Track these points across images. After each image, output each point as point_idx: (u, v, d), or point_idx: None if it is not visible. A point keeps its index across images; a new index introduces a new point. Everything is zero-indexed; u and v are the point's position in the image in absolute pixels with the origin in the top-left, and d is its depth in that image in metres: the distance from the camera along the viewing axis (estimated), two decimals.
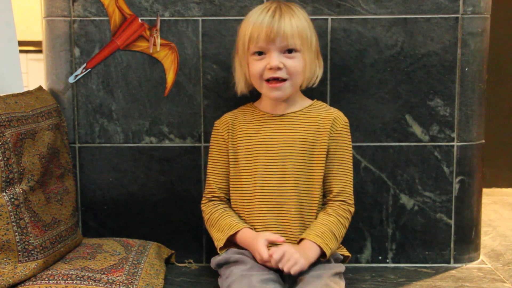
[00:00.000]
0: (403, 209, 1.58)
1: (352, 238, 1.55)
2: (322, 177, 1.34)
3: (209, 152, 1.43)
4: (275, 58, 1.28)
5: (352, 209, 1.37)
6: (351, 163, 1.38)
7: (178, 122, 1.56)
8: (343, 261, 1.38)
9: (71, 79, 1.55)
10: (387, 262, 1.60)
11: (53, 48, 1.55)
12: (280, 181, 1.33)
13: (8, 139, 1.28)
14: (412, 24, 1.52)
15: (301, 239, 1.28)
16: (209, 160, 1.43)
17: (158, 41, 1.53)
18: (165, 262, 1.53)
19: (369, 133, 1.55)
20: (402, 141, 1.55)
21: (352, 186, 1.37)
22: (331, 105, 1.52)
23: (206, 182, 1.43)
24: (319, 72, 1.38)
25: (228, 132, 1.39)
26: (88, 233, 1.59)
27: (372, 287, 1.43)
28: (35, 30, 3.88)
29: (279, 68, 1.29)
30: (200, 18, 1.53)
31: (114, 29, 1.53)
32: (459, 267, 1.59)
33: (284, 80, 1.30)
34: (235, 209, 1.39)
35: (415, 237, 1.59)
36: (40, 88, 1.53)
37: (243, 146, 1.37)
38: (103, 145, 1.58)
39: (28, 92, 1.46)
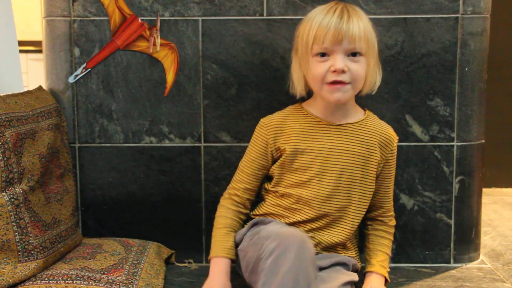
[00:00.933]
0: (403, 209, 1.58)
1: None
2: (372, 192, 1.36)
3: (248, 149, 1.38)
4: (340, 61, 1.23)
5: (395, 222, 1.45)
6: (394, 178, 1.43)
7: (178, 122, 1.56)
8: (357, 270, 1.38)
9: (71, 79, 1.56)
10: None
11: (53, 48, 1.55)
12: (333, 194, 1.31)
13: (8, 139, 1.28)
14: (412, 24, 1.52)
15: (369, 271, 1.35)
16: (244, 158, 1.38)
17: (158, 41, 1.53)
18: (165, 262, 1.53)
19: None
20: (402, 141, 1.55)
21: (392, 201, 1.44)
22: None
23: (234, 177, 1.39)
24: (379, 79, 1.35)
25: (275, 136, 1.34)
26: (88, 233, 1.59)
27: None
28: (35, 30, 3.89)
29: (343, 71, 1.23)
30: (200, 18, 1.53)
31: (114, 29, 1.53)
32: (459, 267, 1.59)
33: (346, 83, 1.25)
34: (268, 211, 1.36)
35: (415, 237, 1.59)
36: (40, 88, 1.53)
37: (295, 151, 1.31)
38: (103, 145, 1.58)
39: (28, 92, 1.46)
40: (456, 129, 1.55)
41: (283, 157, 1.32)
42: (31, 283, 1.25)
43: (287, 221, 1.32)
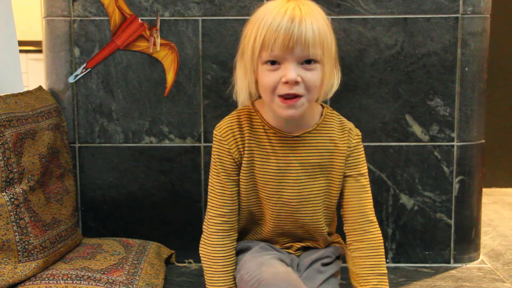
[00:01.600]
0: (403, 209, 1.58)
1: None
2: (337, 197, 1.23)
3: (215, 169, 1.20)
4: (292, 71, 1.07)
5: (377, 228, 1.22)
6: (367, 179, 1.23)
7: (178, 122, 1.56)
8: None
9: (71, 79, 1.55)
10: (387, 262, 1.60)
11: (53, 48, 1.55)
12: (296, 210, 1.20)
13: (8, 139, 1.28)
14: (412, 24, 1.52)
15: None
16: (215, 178, 1.21)
17: (158, 41, 1.53)
18: (165, 262, 1.53)
19: (369, 133, 1.55)
20: (402, 141, 1.55)
21: (371, 203, 1.23)
22: (331, 105, 1.52)
23: (212, 203, 1.21)
24: (337, 82, 1.18)
25: (239, 151, 1.18)
26: (88, 233, 1.59)
27: None
28: (35, 30, 3.88)
29: (296, 83, 1.08)
30: (200, 18, 1.53)
31: (114, 29, 1.53)
32: (459, 267, 1.59)
33: (299, 96, 1.09)
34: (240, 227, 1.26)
35: (415, 237, 1.59)
36: (40, 88, 1.53)
37: (251, 166, 1.19)
38: (103, 145, 1.58)
39: (28, 92, 1.46)
40: (456, 129, 1.55)
41: (247, 172, 1.19)
42: (31, 283, 1.25)
43: (259, 237, 1.26)
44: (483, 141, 1.60)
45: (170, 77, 1.55)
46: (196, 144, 1.57)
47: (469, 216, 1.60)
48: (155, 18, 1.53)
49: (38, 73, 3.44)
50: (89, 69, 1.55)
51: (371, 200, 1.22)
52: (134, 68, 1.55)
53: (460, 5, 1.51)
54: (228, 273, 1.19)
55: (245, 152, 1.18)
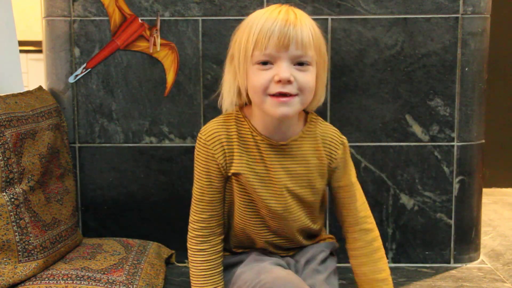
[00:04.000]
0: (403, 209, 1.58)
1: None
2: (319, 205, 1.23)
3: (197, 174, 1.18)
4: (285, 69, 1.05)
5: (375, 232, 1.22)
6: (358, 184, 1.22)
7: (178, 122, 1.56)
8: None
9: (71, 79, 1.55)
10: (387, 262, 1.60)
11: (53, 48, 1.55)
12: (282, 217, 1.18)
13: (8, 139, 1.28)
14: (412, 24, 1.52)
15: None
16: (197, 183, 1.18)
17: (158, 41, 1.53)
18: (165, 262, 1.53)
19: (369, 133, 1.55)
20: (402, 141, 1.55)
21: (367, 208, 1.23)
22: (331, 105, 1.53)
23: (193, 208, 1.20)
24: (323, 96, 1.17)
25: (225, 157, 1.15)
26: (88, 233, 1.59)
27: None
28: (35, 30, 3.88)
29: (289, 81, 1.05)
30: (200, 18, 1.53)
31: (114, 29, 1.53)
32: (459, 267, 1.59)
33: (292, 95, 1.07)
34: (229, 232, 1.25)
35: (415, 237, 1.59)
36: (40, 88, 1.53)
37: (245, 176, 1.16)
38: (103, 145, 1.58)
39: (28, 92, 1.46)
40: (456, 129, 1.55)
41: (233, 180, 1.17)
42: (31, 283, 1.25)
43: (258, 239, 1.23)
44: (483, 141, 1.60)
45: (170, 77, 1.55)
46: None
47: (469, 216, 1.60)
48: (155, 18, 1.53)
49: (38, 73, 3.44)
50: (89, 69, 1.55)
51: (366, 206, 1.22)
52: (134, 68, 1.55)
53: (460, 5, 1.51)
54: (205, 277, 1.18)
55: (234, 158, 1.15)
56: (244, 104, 1.18)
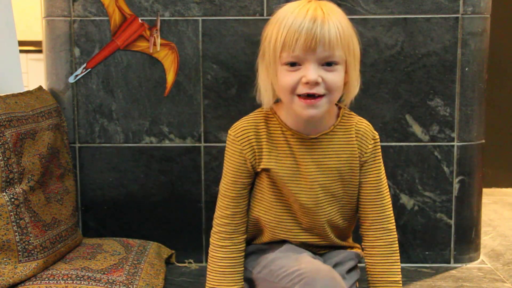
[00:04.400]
0: (403, 209, 1.58)
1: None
2: (355, 202, 1.22)
3: (226, 169, 1.19)
4: (313, 71, 1.05)
5: (395, 234, 1.21)
6: (386, 182, 1.21)
7: (178, 122, 1.56)
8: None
9: (71, 79, 1.55)
10: None
11: (53, 48, 1.55)
12: (313, 212, 1.18)
13: (8, 139, 1.28)
14: (412, 24, 1.52)
15: None
16: (224, 179, 1.20)
17: (158, 41, 1.53)
18: (165, 262, 1.53)
19: None
20: (402, 141, 1.55)
21: (391, 207, 1.21)
22: None
23: (218, 203, 1.20)
24: (357, 90, 1.17)
25: (254, 152, 1.16)
26: (88, 233, 1.59)
27: None
28: (35, 30, 3.88)
29: (316, 83, 1.06)
30: (200, 18, 1.53)
31: (114, 29, 1.53)
32: (459, 267, 1.59)
33: (320, 96, 1.07)
34: (255, 224, 1.23)
35: (415, 237, 1.59)
36: (40, 88, 1.53)
37: (274, 171, 1.16)
38: (103, 145, 1.58)
39: (28, 92, 1.46)
40: (456, 129, 1.55)
41: (262, 174, 1.18)
42: (31, 283, 1.25)
43: (289, 235, 1.21)
44: (483, 141, 1.60)
45: (170, 77, 1.55)
46: (196, 144, 1.57)
47: (469, 216, 1.60)
48: (155, 18, 1.53)
49: (38, 73, 3.44)
50: (89, 69, 1.55)
51: (390, 206, 1.21)
52: (134, 68, 1.55)
53: (460, 5, 1.51)
54: (224, 274, 1.18)
55: (263, 154, 1.16)
56: (276, 100, 1.18)
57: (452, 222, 1.58)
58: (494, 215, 2.17)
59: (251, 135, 1.17)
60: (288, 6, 1.09)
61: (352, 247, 1.29)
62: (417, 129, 1.55)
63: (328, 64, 1.07)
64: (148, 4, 1.53)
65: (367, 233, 1.21)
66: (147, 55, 1.54)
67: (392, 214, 1.22)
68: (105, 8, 1.53)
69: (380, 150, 1.21)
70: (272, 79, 1.13)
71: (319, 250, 1.26)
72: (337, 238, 1.25)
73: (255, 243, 1.26)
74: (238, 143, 1.17)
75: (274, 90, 1.15)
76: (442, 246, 1.59)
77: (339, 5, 1.51)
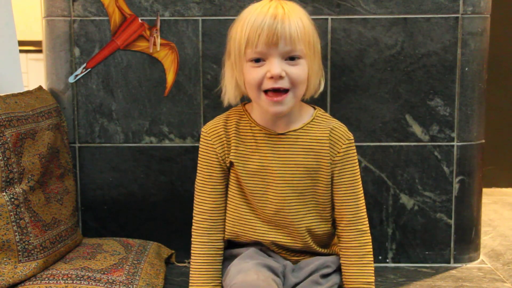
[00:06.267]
0: (403, 209, 1.58)
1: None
2: (329, 202, 1.22)
3: (199, 165, 1.23)
4: (276, 65, 1.09)
5: (369, 235, 1.22)
6: (360, 184, 1.22)
7: (178, 122, 1.56)
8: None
9: (71, 79, 1.56)
10: (387, 262, 1.60)
11: (53, 48, 1.55)
12: (280, 209, 1.19)
13: (8, 139, 1.28)
14: (412, 24, 1.52)
15: None
16: (198, 175, 1.23)
17: (158, 41, 1.53)
18: (165, 262, 1.53)
19: (369, 133, 1.55)
20: (402, 141, 1.55)
21: (365, 209, 1.22)
22: (331, 105, 1.53)
23: (197, 201, 1.23)
24: (323, 83, 1.21)
25: (223, 146, 1.21)
26: (88, 233, 1.59)
27: None
28: (35, 30, 3.88)
29: (281, 77, 1.10)
30: (200, 18, 1.53)
31: (114, 29, 1.53)
32: (459, 267, 1.59)
33: (286, 91, 1.11)
34: (230, 225, 1.25)
35: (415, 237, 1.59)
36: (40, 88, 1.53)
37: (239, 166, 1.20)
38: (103, 145, 1.58)
39: (28, 92, 1.46)
40: (456, 129, 1.55)
41: (231, 171, 1.21)
42: (31, 283, 1.25)
43: (246, 239, 1.23)
44: (483, 141, 1.60)
45: (170, 77, 1.55)
46: (196, 144, 1.57)
47: (469, 216, 1.60)
48: (155, 18, 1.53)
49: (38, 73, 3.44)
50: (89, 69, 1.55)
51: (364, 208, 1.22)
52: (134, 68, 1.55)
53: (460, 5, 1.51)
54: (202, 271, 1.20)
55: (231, 148, 1.20)
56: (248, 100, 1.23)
57: (452, 222, 1.58)
58: (494, 215, 2.17)
59: (220, 131, 1.21)
60: (252, 6, 1.14)
61: (332, 254, 1.28)
62: (417, 129, 1.55)
63: (291, 58, 1.11)
64: (148, 4, 1.53)
65: (342, 234, 1.22)
66: (147, 55, 1.54)
67: (366, 216, 1.22)
68: (105, 8, 1.53)
69: (355, 151, 1.22)
70: (237, 77, 1.17)
71: (294, 255, 1.25)
72: (315, 243, 1.24)
73: (229, 248, 1.27)
74: (209, 138, 1.22)
75: (239, 88, 1.19)
76: (442, 246, 1.59)
77: (338, 5, 1.52)
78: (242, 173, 1.20)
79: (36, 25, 3.88)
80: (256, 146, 1.20)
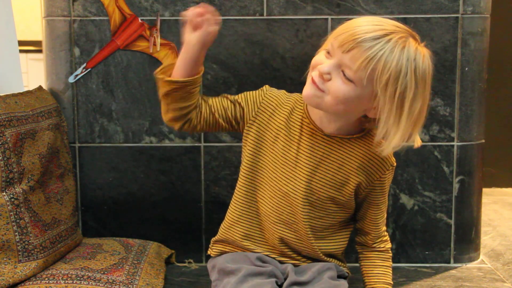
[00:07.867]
0: (403, 209, 1.58)
1: (352, 238, 1.55)
2: (348, 212, 1.23)
3: (240, 94, 1.22)
4: (329, 66, 1.06)
5: (390, 243, 1.27)
6: (387, 198, 1.26)
7: None
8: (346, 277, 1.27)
9: (71, 79, 1.56)
10: None
11: (53, 48, 1.55)
12: (295, 205, 1.19)
13: (8, 139, 1.28)
14: (412, 24, 1.52)
15: None
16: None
17: (158, 40, 1.53)
18: (165, 262, 1.53)
19: None
20: None
21: (385, 218, 1.27)
22: None
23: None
24: (414, 142, 1.14)
25: (261, 112, 1.20)
26: (88, 233, 1.59)
27: None
28: (35, 30, 3.89)
29: (323, 75, 1.07)
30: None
31: (114, 29, 1.53)
32: (459, 267, 1.59)
33: (321, 89, 1.08)
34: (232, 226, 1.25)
35: (415, 237, 1.59)
36: (40, 88, 1.53)
37: (270, 148, 1.20)
38: (103, 145, 1.58)
39: (28, 92, 1.46)
40: (456, 129, 1.55)
41: (247, 146, 1.21)
42: (31, 283, 1.25)
43: (259, 242, 1.23)
44: (483, 141, 1.60)
45: None
46: (196, 144, 1.57)
47: (469, 216, 1.60)
48: (155, 18, 1.53)
49: (38, 73, 3.44)
50: (89, 69, 1.55)
51: (385, 217, 1.26)
52: (134, 68, 1.55)
53: (460, 5, 1.51)
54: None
55: (263, 127, 1.20)
56: None
57: (452, 222, 1.58)
58: (494, 215, 2.17)
59: (273, 101, 1.21)
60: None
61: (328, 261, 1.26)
62: None
63: (344, 73, 1.06)
64: (148, 4, 1.53)
65: (365, 247, 1.28)
66: (147, 55, 1.54)
67: (385, 226, 1.28)
68: (105, 8, 1.53)
69: (391, 178, 1.23)
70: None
71: (296, 256, 1.24)
72: (323, 253, 1.23)
73: (226, 249, 1.27)
74: (264, 93, 1.22)
75: None
76: (442, 246, 1.59)
77: (338, 5, 1.52)
78: (269, 156, 1.19)
79: (36, 25, 3.88)
80: (299, 137, 1.18)
